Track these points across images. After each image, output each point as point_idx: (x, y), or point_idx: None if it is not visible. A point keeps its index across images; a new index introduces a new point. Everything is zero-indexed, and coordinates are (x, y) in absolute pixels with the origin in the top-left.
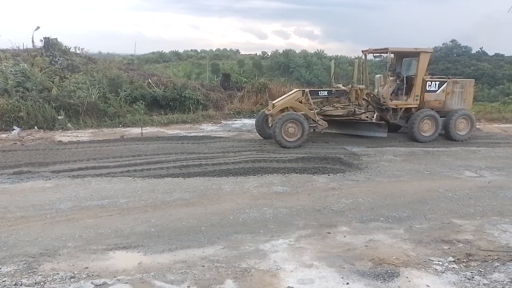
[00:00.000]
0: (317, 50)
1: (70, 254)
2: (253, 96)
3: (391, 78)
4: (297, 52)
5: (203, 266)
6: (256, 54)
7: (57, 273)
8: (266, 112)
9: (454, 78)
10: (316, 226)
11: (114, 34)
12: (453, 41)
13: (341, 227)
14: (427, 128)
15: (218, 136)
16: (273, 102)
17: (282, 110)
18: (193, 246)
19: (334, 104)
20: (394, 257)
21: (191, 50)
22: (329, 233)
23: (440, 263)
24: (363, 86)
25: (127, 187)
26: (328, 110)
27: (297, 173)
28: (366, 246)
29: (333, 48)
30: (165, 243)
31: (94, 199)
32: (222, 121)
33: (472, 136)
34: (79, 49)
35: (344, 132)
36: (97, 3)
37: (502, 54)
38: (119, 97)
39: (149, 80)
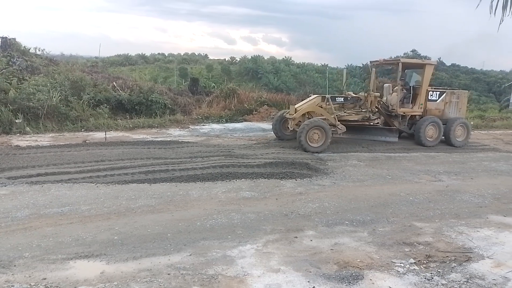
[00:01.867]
0: (285, 57)
1: (27, 264)
2: (221, 101)
3: (397, 87)
4: (265, 58)
5: (168, 274)
6: (225, 59)
7: (12, 286)
8: (288, 116)
9: (451, 89)
10: (284, 230)
11: (77, 35)
12: (413, 51)
13: (308, 231)
14: (431, 134)
15: (186, 141)
16: (296, 106)
17: (303, 115)
18: (159, 254)
19: (346, 111)
20: (358, 260)
21: (159, 53)
22: (296, 237)
23: (402, 265)
24: (378, 94)
25: (89, 193)
26: (344, 116)
27: (265, 178)
28: (331, 249)
29: (300, 56)
30: (129, 251)
31: (54, 207)
32: (190, 126)
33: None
34: (39, 50)
35: (357, 137)
36: (58, 2)
37: (458, 65)
38: (82, 100)
39: (114, 83)
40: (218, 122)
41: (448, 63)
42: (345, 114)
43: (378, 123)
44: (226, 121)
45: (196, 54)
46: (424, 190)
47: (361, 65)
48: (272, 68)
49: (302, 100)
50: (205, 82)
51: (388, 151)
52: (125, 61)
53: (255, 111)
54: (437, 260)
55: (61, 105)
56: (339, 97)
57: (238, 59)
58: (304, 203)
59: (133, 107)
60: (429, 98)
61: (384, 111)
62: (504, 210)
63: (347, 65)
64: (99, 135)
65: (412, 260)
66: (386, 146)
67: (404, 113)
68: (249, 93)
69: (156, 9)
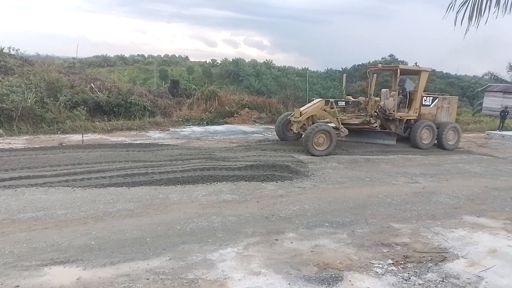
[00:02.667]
0: (266, 60)
1: None
2: (202, 103)
3: (394, 92)
4: (246, 61)
5: (147, 279)
6: (206, 61)
7: None
8: (293, 119)
9: (443, 95)
10: (264, 233)
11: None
12: (391, 55)
13: (289, 234)
14: (426, 137)
15: (166, 143)
16: (301, 109)
17: (307, 118)
18: (137, 259)
19: (346, 114)
20: (338, 261)
21: (138, 55)
22: (277, 240)
23: (380, 265)
24: (378, 99)
25: (66, 197)
26: (345, 119)
27: (246, 180)
28: (312, 251)
29: (281, 59)
30: (107, 256)
31: (28, 211)
32: (170, 129)
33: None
34: (13, 50)
35: (356, 140)
36: (33, 1)
37: (434, 69)
38: (58, 102)
39: (91, 84)
40: (199, 124)
41: None
42: (346, 117)
43: (376, 126)
44: (207, 124)
45: (177, 56)
46: (401, 191)
47: (341, 69)
48: (253, 71)
49: (283, 103)
50: (185, 84)
51: (367, 153)
52: (104, 62)
53: (236, 114)
54: (414, 260)
55: (37, 107)
56: (341, 101)
57: (219, 62)
58: (284, 206)
59: (112, 109)
60: (423, 103)
61: (382, 115)
62: (477, 211)
63: (327, 68)
64: (76, 138)
65: (390, 261)
66: (364, 149)
67: (400, 117)
68: (230, 95)
69: (135, 10)
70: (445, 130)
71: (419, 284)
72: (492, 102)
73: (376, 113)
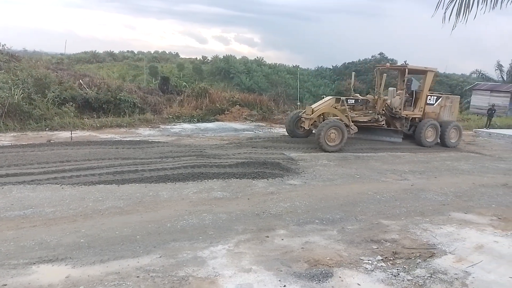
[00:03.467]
0: (257, 57)
1: None
2: (193, 100)
3: (400, 91)
4: (237, 58)
5: (138, 277)
6: (197, 58)
7: None
8: (305, 116)
9: (446, 94)
10: (255, 230)
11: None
12: (381, 54)
13: (279, 231)
14: (430, 135)
15: (156, 140)
16: (312, 107)
17: (319, 115)
18: (127, 256)
19: (355, 112)
20: (328, 258)
21: (128, 51)
22: (268, 236)
23: (370, 262)
24: (387, 97)
25: (54, 195)
26: (354, 117)
27: (237, 178)
28: (302, 248)
29: (272, 56)
30: (96, 254)
31: (16, 209)
32: (160, 126)
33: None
34: (0, 46)
35: (363, 137)
36: None
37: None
38: (47, 99)
39: (80, 80)
40: (189, 121)
41: None
42: (355, 115)
43: (383, 124)
44: (198, 121)
45: (167, 52)
46: (390, 188)
47: (331, 67)
48: (244, 68)
49: (274, 100)
50: (176, 81)
51: (357, 151)
52: (93, 58)
53: (227, 111)
54: (403, 256)
55: (24, 103)
56: (351, 99)
57: (210, 59)
58: (275, 203)
59: (101, 105)
60: (428, 102)
61: (388, 113)
62: (465, 207)
63: (317, 66)
64: (64, 135)
65: (379, 257)
66: (354, 146)
67: (406, 116)
68: (221, 92)
69: (125, 6)
70: (448, 129)
71: (408, 280)
72: (479, 101)
73: (383, 111)
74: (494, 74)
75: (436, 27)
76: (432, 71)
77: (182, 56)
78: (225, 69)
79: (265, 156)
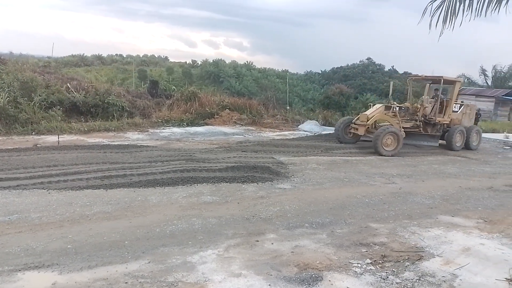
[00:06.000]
0: (247, 61)
1: None
2: (182, 104)
3: (431, 99)
4: (227, 62)
5: (126, 282)
6: (186, 62)
7: None
8: (359, 122)
9: (467, 103)
10: (245, 234)
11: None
12: (369, 59)
13: (269, 235)
14: (458, 140)
15: (145, 145)
16: (367, 114)
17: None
18: (115, 262)
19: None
20: (318, 262)
21: (116, 54)
22: (258, 241)
23: (359, 265)
24: (428, 105)
25: (40, 200)
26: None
27: (227, 182)
28: (292, 252)
29: (261, 61)
30: (84, 260)
31: (0, 215)
32: (149, 130)
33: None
34: None
35: (404, 142)
36: None
37: (410, 72)
38: (33, 102)
39: (68, 84)
40: (179, 125)
41: (401, 71)
42: (400, 121)
43: (421, 130)
44: (187, 125)
45: (156, 56)
46: (379, 192)
47: (320, 72)
48: (233, 72)
49: (264, 105)
50: (165, 85)
51: (345, 155)
52: (80, 61)
53: (217, 115)
54: (392, 259)
55: (10, 107)
56: (397, 106)
57: (199, 63)
58: (265, 207)
59: (89, 109)
60: (453, 109)
61: (423, 120)
62: (452, 210)
63: (306, 71)
64: (51, 139)
65: (368, 261)
66: (344, 150)
67: (439, 122)
68: (210, 96)
69: (113, 8)
70: (471, 133)
71: (397, 283)
72: None
73: (422, 118)
74: (478, 79)
75: (422, 32)
76: (459, 81)
77: (171, 60)
78: (214, 73)
79: (255, 160)
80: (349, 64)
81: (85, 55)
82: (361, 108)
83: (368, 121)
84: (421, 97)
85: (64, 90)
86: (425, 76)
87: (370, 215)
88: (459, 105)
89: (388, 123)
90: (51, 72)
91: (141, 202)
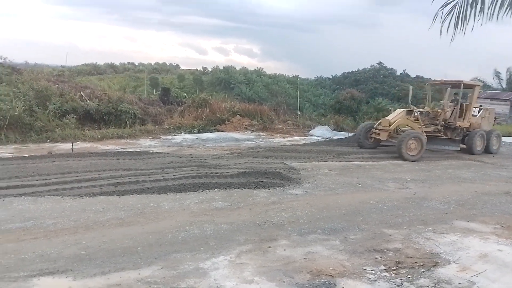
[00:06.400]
0: (257, 67)
1: None
2: (194, 111)
3: (450, 103)
4: (237, 68)
5: None
6: (197, 69)
7: None
8: (381, 127)
9: (486, 107)
10: (257, 240)
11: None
12: (380, 63)
13: (281, 241)
14: (479, 144)
15: (157, 151)
16: (389, 119)
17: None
18: (129, 268)
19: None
20: (331, 268)
21: (128, 62)
22: (270, 247)
23: (373, 272)
24: (449, 110)
25: (55, 207)
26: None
27: (238, 188)
28: (304, 258)
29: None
30: (97, 266)
31: (16, 221)
32: (161, 136)
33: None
34: (1, 58)
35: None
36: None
37: (422, 76)
38: (48, 111)
39: (81, 92)
40: (190, 132)
41: (412, 75)
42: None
43: (442, 134)
44: (199, 131)
45: (167, 64)
46: (392, 197)
47: (331, 76)
48: (244, 78)
49: (274, 110)
50: (176, 92)
51: (358, 160)
52: (93, 70)
53: (228, 121)
54: (407, 266)
55: (25, 115)
56: (419, 111)
57: (210, 70)
58: (277, 213)
59: (102, 117)
60: (473, 113)
61: (444, 124)
62: (467, 216)
63: (317, 76)
64: (65, 146)
65: (382, 267)
66: (356, 155)
67: (459, 126)
68: (221, 103)
69: (124, 18)
70: (492, 137)
71: None
72: None
73: (443, 122)
74: (492, 82)
75: (433, 36)
76: (479, 85)
77: (182, 67)
78: (225, 80)
79: (266, 165)
80: (360, 69)
81: (98, 63)
82: (373, 113)
83: (390, 126)
84: (440, 101)
85: (78, 98)
86: (445, 80)
87: (384, 221)
88: (478, 109)
89: (409, 127)
90: (65, 81)
91: (153, 208)
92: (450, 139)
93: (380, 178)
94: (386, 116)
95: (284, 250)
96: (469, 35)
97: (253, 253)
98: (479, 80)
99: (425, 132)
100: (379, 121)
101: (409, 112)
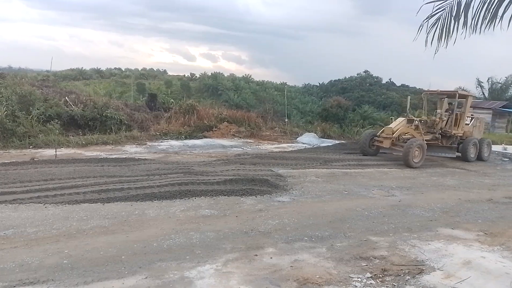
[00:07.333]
0: (245, 74)
1: None
2: (181, 117)
3: (446, 113)
4: (225, 75)
5: None
6: (184, 75)
7: None
8: (384, 135)
9: (476, 116)
10: (244, 249)
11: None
12: (366, 71)
13: (268, 249)
14: (472, 151)
15: (143, 158)
16: (392, 127)
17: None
18: (112, 278)
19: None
20: (317, 276)
21: (115, 68)
22: (256, 255)
23: (359, 279)
24: (445, 119)
25: (37, 214)
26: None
27: (225, 195)
28: (291, 266)
29: (259, 74)
30: (80, 275)
31: None
32: (147, 143)
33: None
34: None
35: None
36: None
37: (407, 85)
38: (31, 116)
39: (66, 97)
40: (177, 138)
41: (398, 84)
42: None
43: (438, 142)
44: (185, 138)
45: (155, 69)
46: (378, 205)
47: (318, 84)
48: (232, 85)
49: (262, 117)
50: (163, 98)
51: (344, 167)
52: (79, 75)
53: (215, 128)
54: (392, 273)
55: (8, 121)
56: (418, 120)
57: (197, 76)
58: (264, 220)
59: (87, 123)
60: (466, 122)
61: (441, 132)
62: (452, 223)
63: (304, 83)
64: (49, 153)
65: (368, 275)
66: (342, 162)
67: (454, 134)
68: (209, 109)
69: (111, 23)
70: (483, 145)
71: None
72: None
73: (440, 131)
74: (475, 91)
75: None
76: (472, 96)
77: (170, 73)
78: (213, 86)
79: (254, 173)
80: (347, 77)
81: (83, 68)
82: (359, 120)
83: (393, 134)
84: (435, 111)
85: (63, 103)
86: (441, 91)
87: (370, 228)
88: (469, 118)
89: (410, 135)
90: (50, 85)
91: (138, 216)
92: (447, 146)
93: (366, 185)
94: (377, 125)
95: (271, 258)
96: (452, 47)
97: (240, 261)
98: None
99: (426, 140)
100: (382, 129)
101: (409, 121)
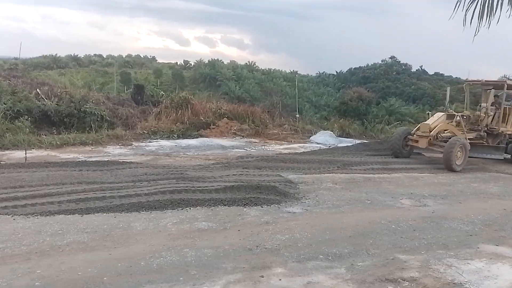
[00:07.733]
0: (248, 61)
1: None
2: (172, 112)
3: (492, 107)
4: (225, 62)
5: None
6: (177, 63)
7: None
8: (421, 133)
9: None
10: (247, 269)
11: None
12: (392, 57)
13: (276, 269)
14: None
15: (128, 161)
16: (429, 124)
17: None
18: None
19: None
20: None
21: (95, 54)
22: (262, 276)
23: None
24: (492, 114)
25: (4, 228)
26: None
27: (225, 205)
28: None
29: (265, 61)
30: None
31: None
32: (133, 143)
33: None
34: None
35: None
36: None
37: (441, 74)
38: None
39: (37, 90)
40: (168, 138)
41: (431, 72)
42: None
43: (484, 141)
44: (178, 137)
45: (142, 56)
46: (407, 216)
47: (335, 73)
48: (233, 74)
49: (269, 112)
50: (152, 90)
51: (367, 171)
52: (53, 63)
53: (213, 125)
54: None
55: None
56: (460, 115)
57: (192, 63)
58: (271, 235)
59: (62, 119)
60: None
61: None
62: (495, 238)
63: (319, 72)
64: (17, 155)
65: None
66: (364, 166)
67: (502, 132)
68: (205, 103)
69: (91, 1)
70: None
71: None
72: None
73: (485, 128)
74: None
75: (455, 27)
76: None
77: (159, 60)
78: (210, 76)
79: (259, 178)
80: (370, 64)
81: (58, 55)
82: (384, 116)
83: (430, 132)
84: (479, 104)
85: (33, 96)
86: (486, 80)
87: (398, 245)
88: None
89: (451, 133)
90: (18, 75)
91: (123, 230)
92: (493, 146)
93: (393, 193)
94: (406, 121)
95: (280, 280)
96: (495, 28)
97: (243, 283)
98: (508, 78)
99: (468, 139)
100: (417, 127)
101: (450, 116)
